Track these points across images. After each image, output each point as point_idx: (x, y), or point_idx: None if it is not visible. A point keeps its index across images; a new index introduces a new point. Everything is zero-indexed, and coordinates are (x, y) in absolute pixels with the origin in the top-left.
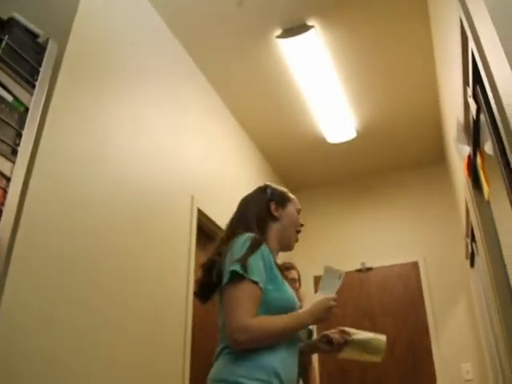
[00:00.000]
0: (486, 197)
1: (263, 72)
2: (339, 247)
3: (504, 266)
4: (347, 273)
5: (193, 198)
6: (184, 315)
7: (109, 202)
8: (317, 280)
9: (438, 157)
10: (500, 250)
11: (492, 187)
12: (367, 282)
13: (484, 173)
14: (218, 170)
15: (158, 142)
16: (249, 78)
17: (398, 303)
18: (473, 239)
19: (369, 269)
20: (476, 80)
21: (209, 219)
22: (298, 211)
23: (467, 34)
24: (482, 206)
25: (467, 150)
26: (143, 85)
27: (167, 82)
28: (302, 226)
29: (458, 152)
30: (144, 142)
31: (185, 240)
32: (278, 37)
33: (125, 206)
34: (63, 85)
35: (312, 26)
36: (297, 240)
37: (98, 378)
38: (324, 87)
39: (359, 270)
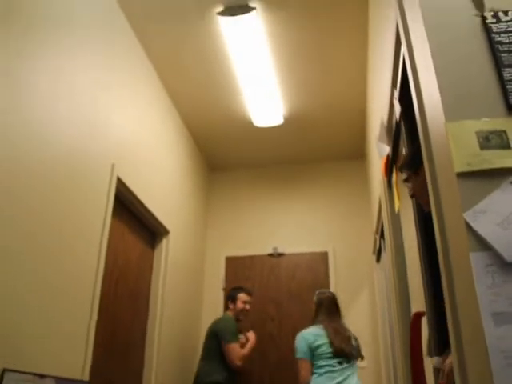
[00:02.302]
0: (397, 210)
1: (199, 46)
2: (253, 230)
3: (405, 264)
4: (259, 256)
5: (113, 165)
6: (93, 286)
7: (22, 162)
8: (228, 260)
9: (358, 153)
10: (403, 250)
11: (402, 195)
12: (277, 268)
13: (397, 188)
14: (141, 141)
15: (81, 102)
16: (184, 49)
17: (306, 291)
18: (382, 236)
19: (280, 254)
20: (404, 85)
21: (127, 189)
22: None
23: (401, 40)
24: (394, 206)
25: (387, 150)
26: (70, 36)
27: (97, 40)
28: None
29: (378, 151)
30: (64, 101)
31: (101, 209)
32: (219, 14)
33: (41, 167)
34: None
35: (254, 8)
36: None
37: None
38: (257, 70)
39: (271, 255)
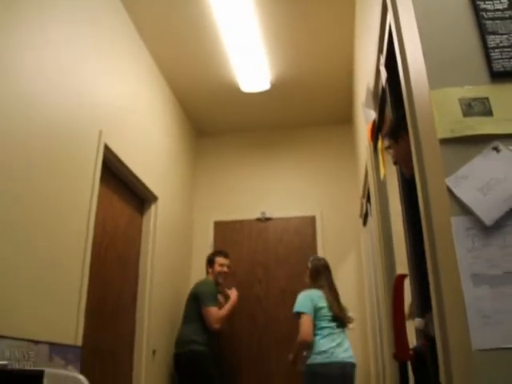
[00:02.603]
0: (382, 176)
1: (186, 13)
2: (241, 195)
3: (391, 228)
4: (247, 221)
5: (101, 132)
6: (83, 252)
7: (10, 130)
8: (217, 225)
9: (345, 118)
10: (389, 215)
11: (388, 161)
12: (265, 232)
13: (382, 156)
14: (128, 107)
15: (67, 70)
16: (171, 16)
17: (293, 255)
18: (368, 201)
19: (268, 219)
20: (390, 51)
21: (115, 156)
22: None
23: (387, 7)
24: (380, 172)
25: (373, 115)
26: (54, 6)
27: (82, 8)
28: None
29: (365, 116)
30: (51, 70)
31: (89, 176)
32: None
33: (28, 135)
34: None
35: None
36: None
37: None
38: (244, 37)
39: (258, 220)
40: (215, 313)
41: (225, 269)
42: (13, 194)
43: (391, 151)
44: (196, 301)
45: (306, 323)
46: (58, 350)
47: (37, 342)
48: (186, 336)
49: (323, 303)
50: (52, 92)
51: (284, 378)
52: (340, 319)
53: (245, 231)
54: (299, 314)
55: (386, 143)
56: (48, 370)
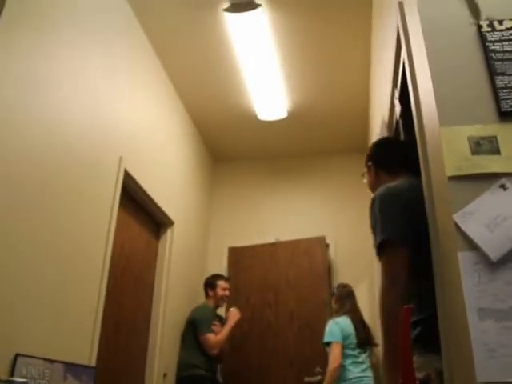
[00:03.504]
0: None
1: (205, 41)
2: (256, 221)
3: None
4: (260, 246)
5: (121, 158)
6: (100, 275)
7: (30, 156)
8: (231, 251)
9: (360, 146)
10: None
11: None
12: (276, 256)
13: None
14: (147, 133)
15: (93, 97)
16: (190, 43)
17: (303, 278)
18: None
19: (279, 242)
20: (403, 86)
21: (134, 181)
22: None
23: (401, 44)
24: None
25: None
26: (83, 38)
27: (108, 38)
28: None
29: None
30: (73, 97)
31: (108, 200)
32: (225, 10)
33: (49, 160)
34: None
35: (259, 5)
36: None
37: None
38: (262, 65)
39: (271, 244)
40: (212, 339)
41: (227, 292)
42: (31, 218)
43: (364, 180)
44: (192, 327)
45: (336, 351)
46: (72, 369)
47: (52, 361)
48: (185, 360)
49: (350, 330)
50: (73, 118)
51: None
52: (364, 344)
53: (258, 256)
54: (329, 343)
55: (363, 171)
56: None
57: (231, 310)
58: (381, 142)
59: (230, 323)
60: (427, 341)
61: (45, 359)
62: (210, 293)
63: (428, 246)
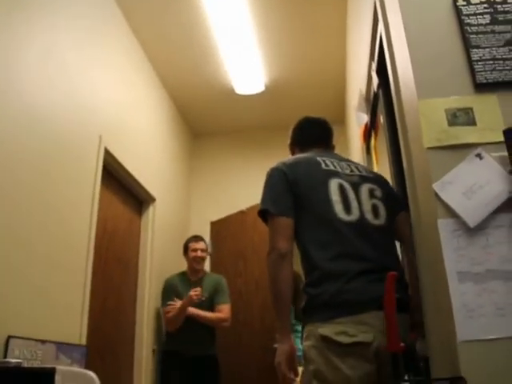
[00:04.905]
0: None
1: (181, 16)
2: (236, 194)
3: None
4: (233, 215)
5: (101, 137)
6: (85, 255)
7: (14, 135)
8: (213, 226)
9: (338, 118)
10: None
11: (380, 162)
12: (245, 223)
13: (376, 152)
14: (126, 111)
15: (69, 76)
16: (165, 18)
17: (265, 242)
18: None
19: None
20: (381, 59)
21: (115, 159)
22: None
23: (378, 17)
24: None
25: (365, 118)
26: (57, 13)
27: (81, 13)
28: None
29: (357, 119)
30: (54, 75)
31: (90, 179)
32: None
33: (30, 139)
34: None
35: None
36: None
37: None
38: (239, 39)
39: (242, 212)
40: (165, 315)
41: (198, 253)
42: (15, 198)
43: None
44: None
45: None
46: (64, 348)
47: (44, 342)
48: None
49: None
50: (53, 97)
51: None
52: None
53: (230, 226)
54: None
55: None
56: (59, 368)
57: (190, 292)
58: (296, 124)
59: (182, 303)
60: (312, 309)
61: (36, 340)
62: (185, 257)
63: (307, 216)
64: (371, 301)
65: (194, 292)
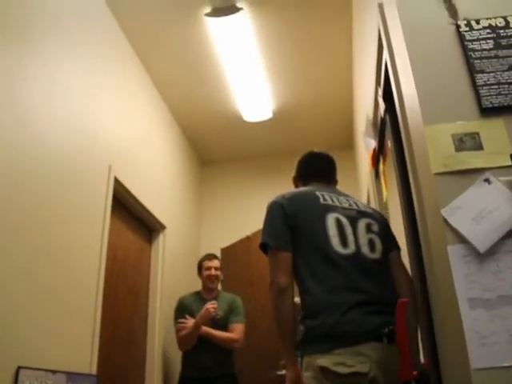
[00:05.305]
0: (384, 199)
1: (188, 46)
2: (246, 221)
3: None
4: (239, 241)
5: (110, 167)
6: (96, 284)
7: (20, 168)
8: (223, 252)
9: (346, 144)
10: None
11: (389, 187)
12: (250, 249)
13: (384, 179)
14: (135, 140)
15: (75, 106)
16: (173, 49)
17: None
18: None
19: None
20: (386, 84)
21: (124, 188)
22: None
23: (383, 43)
24: (382, 198)
25: (373, 144)
26: (60, 43)
27: (92, 47)
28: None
29: (365, 145)
30: (60, 106)
31: (100, 209)
32: (207, 15)
33: (37, 171)
34: None
35: (241, 8)
36: None
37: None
38: (246, 67)
39: (247, 238)
40: (177, 335)
41: (212, 271)
42: (24, 228)
43: None
44: None
45: None
46: (74, 378)
47: (54, 372)
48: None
49: None
50: (62, 127)
51: None
52: None
53: (237, 252)
54: None
55: None
56: None
57: (206, 304)
58: (301, 157)
59: (197, 319)
60: (310, 341)
61: (47, 370)
62: (199, 276)
63: (305, 249)
64: (368, 332)
65: (212, 305)
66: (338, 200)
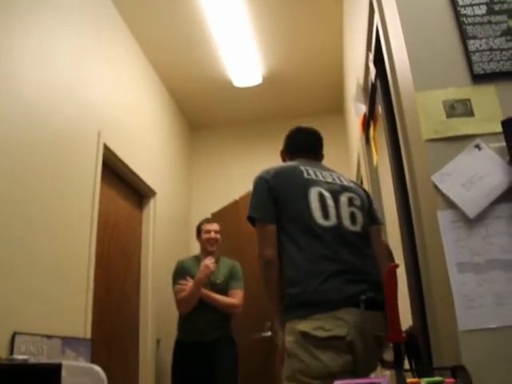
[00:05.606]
0: (375, 163)
1: (177, 9)
2: (236, 185)
3: (383, 216)
4: (227, 206)
5: (99, 133)
6: (88, 250)
7: (9, 134)
8: (214, 217)
9: (337, 108)
10: (381, 201)
11: (379, 152)
12: (238, 213)
13: (375, 143)
14: (124, 106)
15: (65, 73)
16: (161, 14)
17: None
18: None
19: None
20: (377, 48)
21: (114, 155)
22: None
23: (374, 7)
24: (372, 163)
25: (363, 108)
26: (53, 8)
27: (79, 11)
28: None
29: (356, 110)
30: (49, 73)
31: (90, 176)
32: None
33: (26, 138)
34: None
35: None
36: None
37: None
38: (235, 32)
39: (235, 202)
40: (176, 296)
41: (212, 234)
42: (14, 197)
43: None
44: None
45: None
46: (69, 343)
47: (49, 337)
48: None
49: None
50: (50, 94)
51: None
52: None
53: (226, 217)
54: None
55: None
56: (65, 363)
57: (204, 261)
58: (288, 132)
59: (198, 276)
60: (291, 308)
61: (42, 335)
62: (198, 240)
63: (289, 221)
64: (345, 299)
65: (209, 260)
66: (322, 175)
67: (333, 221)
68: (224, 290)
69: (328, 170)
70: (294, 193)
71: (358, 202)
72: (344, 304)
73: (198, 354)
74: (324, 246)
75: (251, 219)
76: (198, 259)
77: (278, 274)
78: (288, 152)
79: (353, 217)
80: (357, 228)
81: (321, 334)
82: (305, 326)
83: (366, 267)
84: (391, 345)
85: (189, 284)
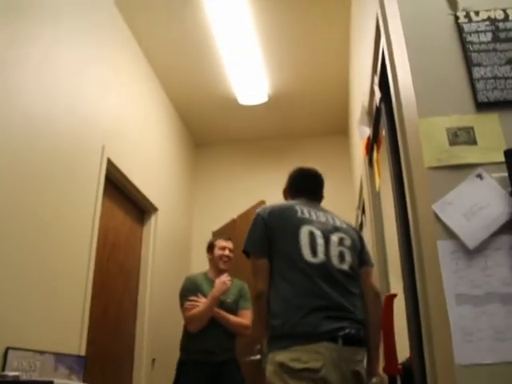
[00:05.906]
0: (377, 188)
1: (184, 26)
2: (239, 204)
3: (384, 240)
4: (227, 224)
5: (103, 147)
6: (86, 265)
7: (12, 148)
8: (215, 236)
9: (340, 130)
10: (383, 226)
11: (382, 175)
12: (237, 231)
13: (378, 167)
14: (129, 121)
15: (69, 87)
16: (169, 31)
17: None
18: (363, 212)
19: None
20: (383, 73)
21: (117, 169)
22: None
23: (380, 31)
24: (374, 187)
25: (368, 131)
26: (56, 22)
27: (89, 26)
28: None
29: (360, 132)
30: (53, 86)
31: (92, 190)
32: None
33: (29, 151)
34: None
35: None
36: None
37: None
38: (242, 50)
39: (233, 221)
40: (186, 313)
41: (226, 252)
42: (16, 212)
43: None
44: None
45: None
46: (62, 359)
47: (42, 353)
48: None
49: None
50: (54, 108)
51: None
52: None
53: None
54: None
55: None
56: (57, 381)
57: (221, 277)
58: (291, 172)
59: (212, 293)
60: (273, 339)
61: (35, 351)
62: (209, 256)
63: (280, 257)
64: (324, 333)
65: (225, 277)
66: (316, 214)
67: (320, 258)
68: (232, 310)
69: (323, 210)
70: (285, 230)
71: (348, 242)
72: (323, 338)
73: (204, 375)
74: (310, 281)
75: (246, 253)
76: (207, 276)
77: (266, 306)
78: (290, 192)
79: (341, 256)
80: (344, 266)
81: (297, 365)
82: (283, 356)
83: (349, 305)
84: (374, 380)
85: (201, 301)
